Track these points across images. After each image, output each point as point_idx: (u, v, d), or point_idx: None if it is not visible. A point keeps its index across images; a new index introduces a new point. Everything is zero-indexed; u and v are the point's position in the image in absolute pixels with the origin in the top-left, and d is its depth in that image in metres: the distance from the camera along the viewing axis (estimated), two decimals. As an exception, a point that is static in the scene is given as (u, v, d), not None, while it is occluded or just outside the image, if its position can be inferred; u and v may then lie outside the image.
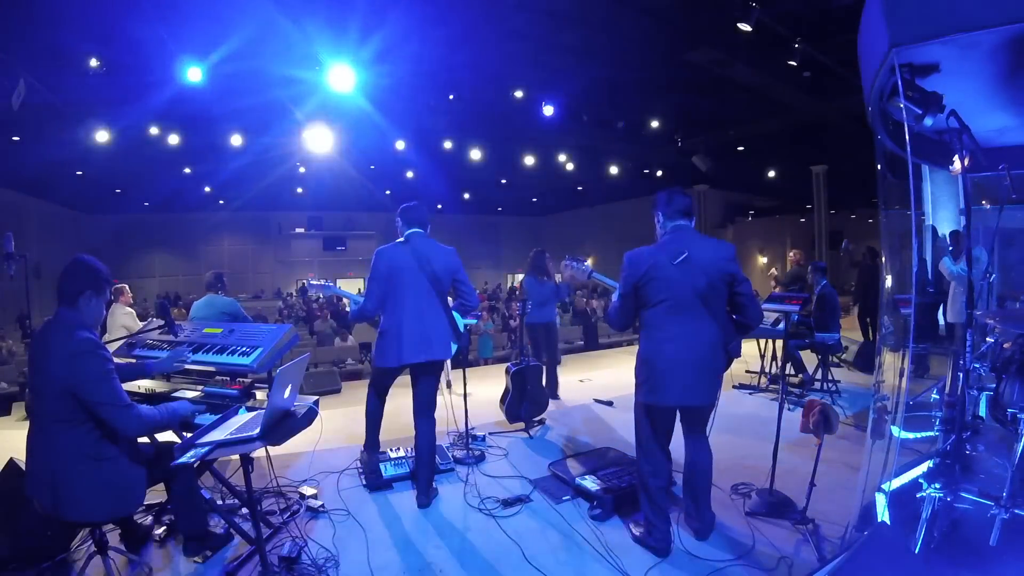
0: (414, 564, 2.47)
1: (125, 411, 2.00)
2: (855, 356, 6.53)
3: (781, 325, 4.67)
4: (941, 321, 5.16)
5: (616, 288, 2.62)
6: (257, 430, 2.04)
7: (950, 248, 4.81)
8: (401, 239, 3.16)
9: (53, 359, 1.96)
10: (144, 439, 2.45)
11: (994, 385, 2.40)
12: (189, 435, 2.09)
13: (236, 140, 10.33)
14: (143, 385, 2.83)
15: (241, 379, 2.82)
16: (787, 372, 4.67)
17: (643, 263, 2.41)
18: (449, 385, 5.67)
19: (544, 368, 4.88)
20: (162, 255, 21.68)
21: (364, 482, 3.32)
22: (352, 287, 17.16)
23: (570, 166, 14.10)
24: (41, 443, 2.01)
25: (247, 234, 22.89)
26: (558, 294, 5.42)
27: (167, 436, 2.52)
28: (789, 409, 3.82)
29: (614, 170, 14.60)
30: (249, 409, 2.41)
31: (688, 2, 6.81)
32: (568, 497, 3.08)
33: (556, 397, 5.37)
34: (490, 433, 4.27)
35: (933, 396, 2.97)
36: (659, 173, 14.99)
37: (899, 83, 2.23)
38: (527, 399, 4.32)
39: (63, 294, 2.09)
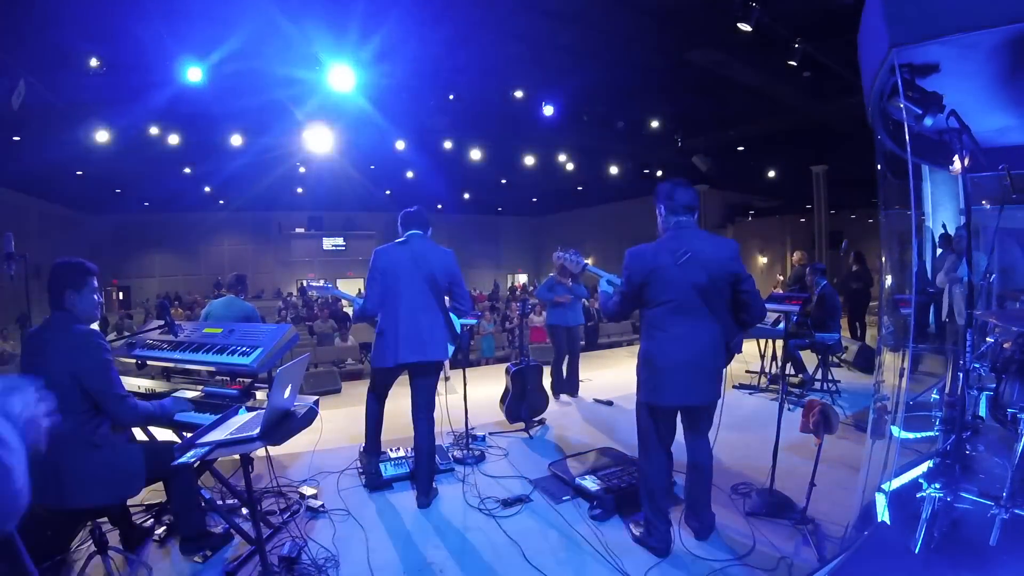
0: (414, 564, 2.47)
1: (122, 401, 2.13)
2: (855, 356, 6.53)
3: (781, 325, 4.67)
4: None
5: (611, 280, 2.63)
6: (257, 430, 2.05)
7: (939, 251, 4.71)
8: (401, 239, 3.17)
9: (52, 355, 2.04)
10: (143, 436, 2.46)
11: (994, 385, 2.40)
12: (189, 435, 2.10)
13: (236, 140, 10.32)
14: (143, 385, 2.83)
15: (241, 379, 2.82)
16: (787, 372, 4.67)
17: (646, 262, 2.40)
18: (447, 378, 5.66)
19: (547, 367, 4.91)
20: (162, 255, 21.67)
21: (364, 482, 3.32)
22: (352, 287, 17.25)
23: (570, 166, 14.08)
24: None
25: (247, 234, 22.88)
26: (578, 294, 5.44)
27: (167, 436, 2.52)
28: (789, 409, 3.82)
29: (614, 170, 14.59)
30: (249, 409, 2.40)
31: (688, 2, 6.81)
32: (568, 497, 3.08)
33: (575, 395, 5.48)
34: (490, 433, 4.27)
35: (933, 396, 2.97)
36: (659, 173, 14.97)
37: (899, 83, 2.23)
38: (527, 399, 4.32)
39: (50, 297, 2.18)
